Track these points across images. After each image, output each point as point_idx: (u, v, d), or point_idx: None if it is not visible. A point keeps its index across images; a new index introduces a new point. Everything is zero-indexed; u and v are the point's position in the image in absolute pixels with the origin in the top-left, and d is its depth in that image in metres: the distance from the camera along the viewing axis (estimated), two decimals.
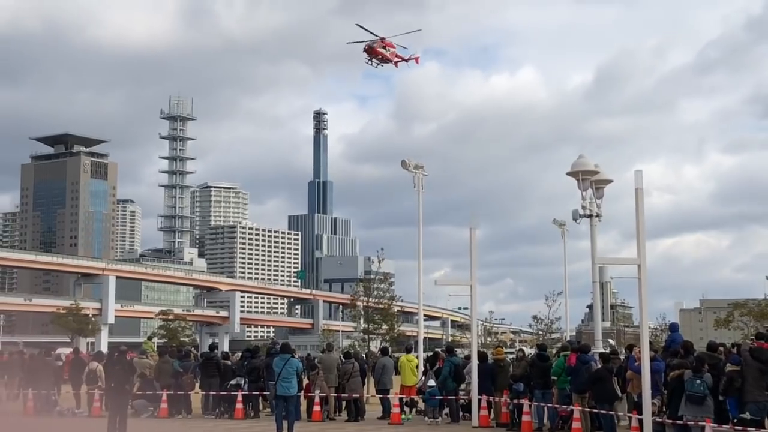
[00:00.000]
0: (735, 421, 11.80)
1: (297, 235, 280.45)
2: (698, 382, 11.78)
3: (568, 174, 19.09)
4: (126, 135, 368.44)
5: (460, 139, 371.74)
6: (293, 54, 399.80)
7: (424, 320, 29.82)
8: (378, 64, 52.46)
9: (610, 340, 47.71)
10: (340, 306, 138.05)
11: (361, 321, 30.09)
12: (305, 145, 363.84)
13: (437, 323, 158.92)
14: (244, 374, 19.10)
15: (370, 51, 51.48)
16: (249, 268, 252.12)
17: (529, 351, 21.01)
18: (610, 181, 19.64)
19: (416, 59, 56.08)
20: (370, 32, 51.98)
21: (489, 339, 39.79)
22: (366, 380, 20.61)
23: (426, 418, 17.74)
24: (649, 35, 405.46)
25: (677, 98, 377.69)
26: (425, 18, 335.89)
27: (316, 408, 18.09)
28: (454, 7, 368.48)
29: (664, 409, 12.89)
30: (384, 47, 51.81)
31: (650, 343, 13.65)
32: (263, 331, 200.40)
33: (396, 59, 53.22)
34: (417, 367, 19.96)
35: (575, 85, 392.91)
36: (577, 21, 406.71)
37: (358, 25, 52.59)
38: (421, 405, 18.55)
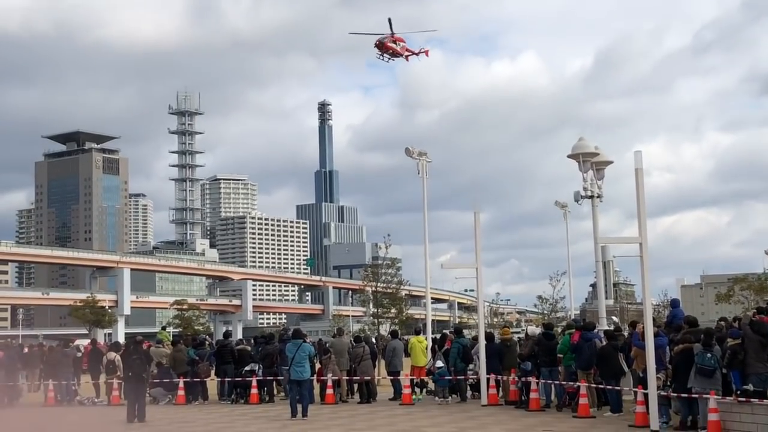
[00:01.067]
0: (738, 392, 11.94)
1: (305, 223, 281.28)
2: (708, 355, 11.91)
3: (569, 156, 19.22)
4: (136, 131, 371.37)
5: (463, 126, 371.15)
6: (298, 47, 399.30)
7: (432, 303, 30.10)
8: (389, 58, 52.66)
9: (614, 318, 48.04)
10: (350, 291, 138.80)
11: (371, 305, 30.49)
12: (311, 136, 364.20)
13: (444, 306, 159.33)
14: (258, 360, 19.38)
15: (381, 46, 51.68)
16: (260, 257, 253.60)
17: (534, 330, 21.31)
18: (611, 163, 19.75)
19: (426, 52, 56.31)
20: (370, 34, 52.49)
21: (495, 320, 40.11)
22: (377, 363, 20.86)
23: (436, 398, 18.02)
24: (647, 19, 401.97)
25: (675, 79, 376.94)
26: (427, 8, 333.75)
27: (329, 391, 18.32)
28: None
29: (669, 383, 13.09)
30: (394, 42, 51.96)
31: (653, 319, 13.77)
32: (275, 318, 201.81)
33: (407, 53, 53.36)
34: (427, 348, 20.18)
35: (575, 69, 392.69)
36: (576, 7, 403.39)
37: (352, 33, 53.28)
38: (431, 385, 18.89)
